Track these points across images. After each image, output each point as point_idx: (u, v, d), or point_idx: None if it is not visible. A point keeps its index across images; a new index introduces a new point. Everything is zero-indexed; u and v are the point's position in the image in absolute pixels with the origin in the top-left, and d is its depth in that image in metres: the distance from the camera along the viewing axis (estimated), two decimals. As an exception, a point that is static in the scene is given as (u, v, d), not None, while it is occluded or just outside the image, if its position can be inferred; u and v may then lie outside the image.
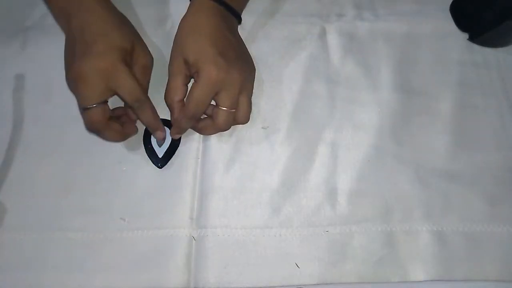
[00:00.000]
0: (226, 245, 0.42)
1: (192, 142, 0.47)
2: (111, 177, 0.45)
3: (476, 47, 0.52)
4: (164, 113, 0.47)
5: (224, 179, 0.45)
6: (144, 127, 0.47)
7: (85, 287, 0.41)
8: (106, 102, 0.43)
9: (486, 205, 0.44)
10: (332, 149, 0.46)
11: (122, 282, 0.41)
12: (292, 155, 0.46)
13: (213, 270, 0.42)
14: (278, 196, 0.44)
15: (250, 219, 0.44)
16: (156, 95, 0.46)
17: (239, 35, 0.49)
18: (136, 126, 0.47)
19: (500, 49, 0.51)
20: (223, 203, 0.44)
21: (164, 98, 0.46)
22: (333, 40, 0.52)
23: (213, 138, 0.47)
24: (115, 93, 0.43)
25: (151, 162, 0.46)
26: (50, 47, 0.51)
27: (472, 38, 0.52)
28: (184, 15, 0.46)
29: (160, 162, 0.46)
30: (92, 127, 0.43)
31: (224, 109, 0.43)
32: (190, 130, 0.46)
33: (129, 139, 0.46)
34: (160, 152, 0.46)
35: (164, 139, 0.46)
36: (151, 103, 0.45)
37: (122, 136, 0.45)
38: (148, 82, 0.46)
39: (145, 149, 0.46)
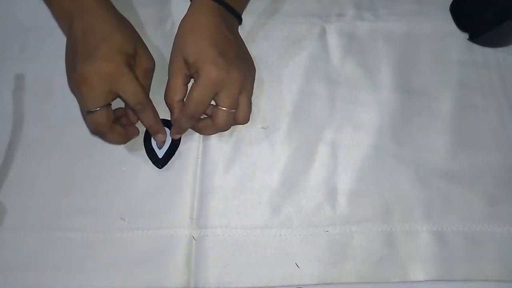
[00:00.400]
0: (226, 245, 0.42)
1: (192, 142, 0.47)
2: (111, 177, 0.45)
3: (476, 47, 0.52)
4: (164, 113, 0.47)
5: (224, 179, 0.45)
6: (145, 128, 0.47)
7: (85, 287, 0.41)
8: (109, 105, 0.43)
9: (486, 205, 0.44)
10: (332, 149, 0.46)
11: (122, 282, 0.41)
12: (292, 155, 0.46)
13: (213, 270, 0.42)
14: (278, 196, 0.44)
15: (250, 219, 0.44)
16: (156, 95, 0.46)
17: (239, 35, 0.49)
18: (138, 129, 0.47)
19: (500, 49, 0.51)
20: (223, 203, 0.44)
21: (164, 98, 0.46)
22: (333, 40, 0.52)
23: (213, 138, 0.47)
24: (118, 96, 0.43)
25: (151, 162, 0.46)
26: (50, 47, 0.51)
27: (472, 38, 0.52)
28: (185, 15, 0.46)
29: (160, 162, 0.46)
30: (96, 130, 0.43)
31: (224, 109, 0.43)
32: (190, 130, 0.47)
33: (129, 139, 0.46)
34: (160, 152, 0.46)
35: (164, 142, 0.46)
36: (153, 106, 0.45)
37: (125, 138, 0.45)
38: (150, 84, 0.47)
39: (145, 149, 0.46)
